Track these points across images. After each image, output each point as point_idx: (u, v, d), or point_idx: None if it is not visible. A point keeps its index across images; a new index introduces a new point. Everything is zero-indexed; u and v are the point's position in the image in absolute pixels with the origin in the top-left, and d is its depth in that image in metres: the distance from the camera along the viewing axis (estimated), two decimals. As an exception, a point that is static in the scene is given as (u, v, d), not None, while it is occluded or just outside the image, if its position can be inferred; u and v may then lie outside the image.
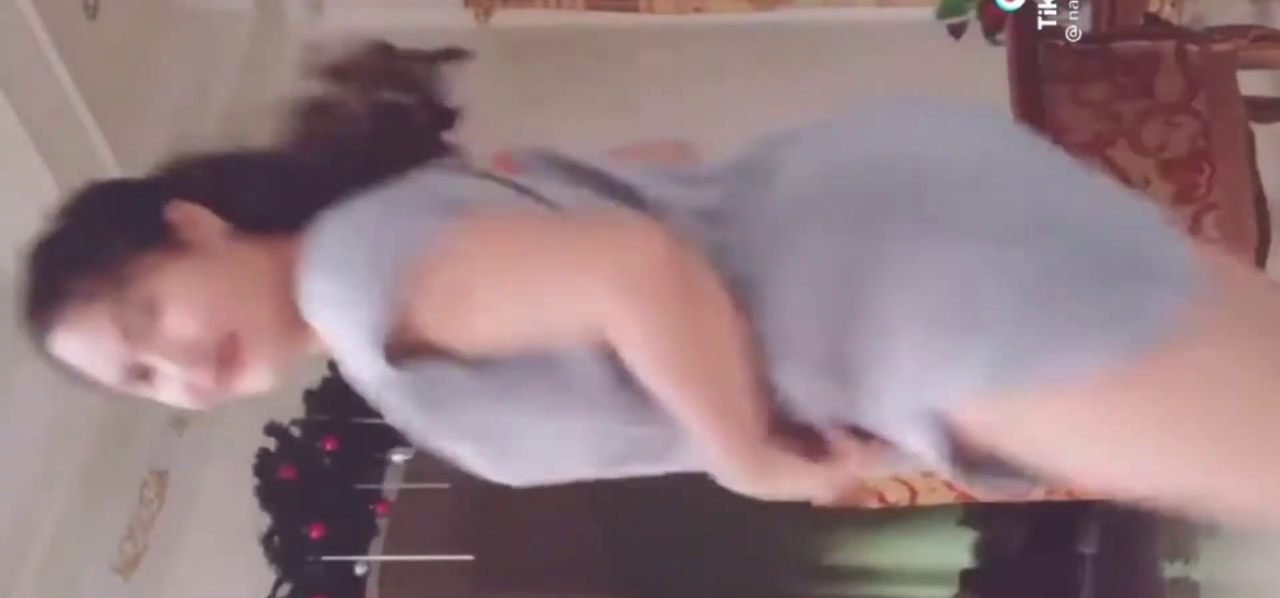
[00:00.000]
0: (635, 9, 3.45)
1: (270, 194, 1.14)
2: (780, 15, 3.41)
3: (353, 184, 1.09)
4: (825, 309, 1.02)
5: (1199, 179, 2.23)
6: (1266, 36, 2.39)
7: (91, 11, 2.79)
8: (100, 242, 1.11)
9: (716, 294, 1.02)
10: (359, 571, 2.90)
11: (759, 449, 1.05)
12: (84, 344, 1.11)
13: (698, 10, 3.43)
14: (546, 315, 1.01)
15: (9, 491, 2.68)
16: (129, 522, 3.04)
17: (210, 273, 1.11)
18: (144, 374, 1.12)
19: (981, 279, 0.97)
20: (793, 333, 1.04)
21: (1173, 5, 3.15)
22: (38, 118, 2.55)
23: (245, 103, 3.27)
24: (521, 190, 1.11)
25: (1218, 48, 2.34)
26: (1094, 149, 2.27)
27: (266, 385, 1.14)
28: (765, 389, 1.05)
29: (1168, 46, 2.34)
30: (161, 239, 1.11)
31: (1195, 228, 2.20)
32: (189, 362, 1.10)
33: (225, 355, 1.10)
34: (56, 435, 2.75)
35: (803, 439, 1.07)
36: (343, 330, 1.04)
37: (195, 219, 1.13)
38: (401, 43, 1.20)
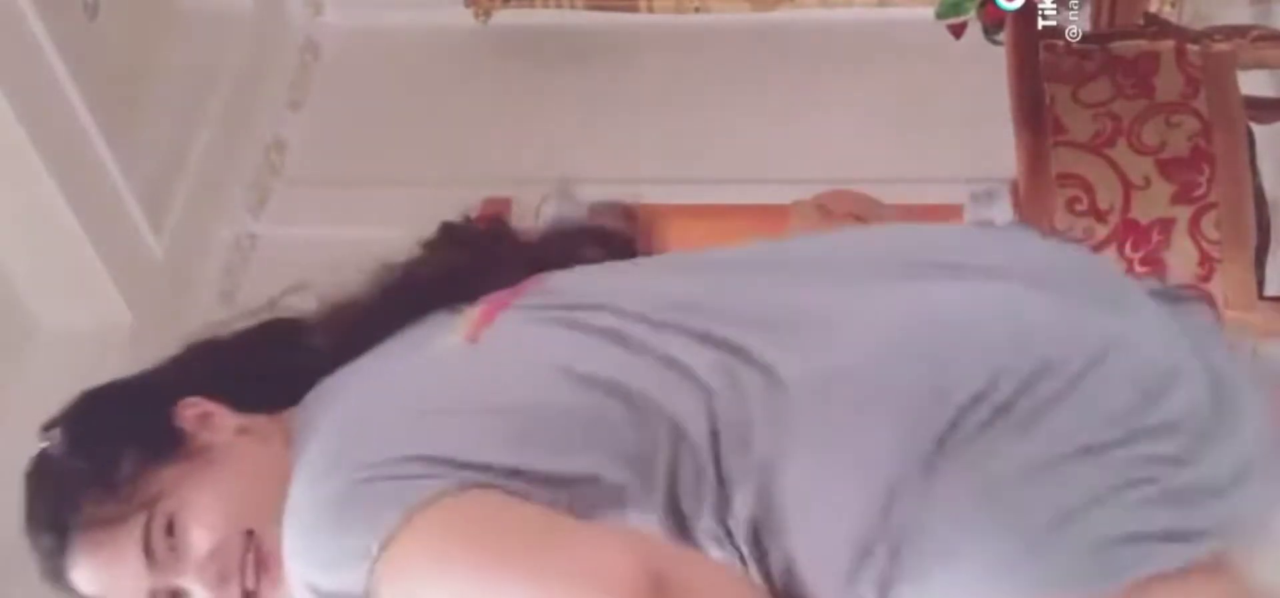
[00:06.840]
0: (635, 9, 3.45)
1: (280, 380, 1.10)
2: (780, 15, 3.41)
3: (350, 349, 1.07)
4: None
5: (1199, 179, 2.23)
6: (1266, 36, 2.39)
7: (91, 11, 2.79)
8: (114, 460, 1.04)
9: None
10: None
11: None
12: (107, 574, 1.05)
13: (698, 10, 3.43)
14: None
15: (10, 486, 2.67)
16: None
17: (227, 479, 1.05)
18: (174, 596, 1.06)
19: None
20: None
21: (1172, 5, 3.14)
22: (37, 118, 2.55)
23: (245, 103, 3.27)
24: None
25: (1218, 48, 2.34)
26: (1094, 149, 2.27)
27: None
28: None
29: (1167, 46, 2.34)
30: (175, 448, 1.05)
31: (1195, 228, 2.20)
32: (220, 581, 1.03)
33: (253, 562, 1.03)
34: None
35: None
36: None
37: (208, 419, 1.08)
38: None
